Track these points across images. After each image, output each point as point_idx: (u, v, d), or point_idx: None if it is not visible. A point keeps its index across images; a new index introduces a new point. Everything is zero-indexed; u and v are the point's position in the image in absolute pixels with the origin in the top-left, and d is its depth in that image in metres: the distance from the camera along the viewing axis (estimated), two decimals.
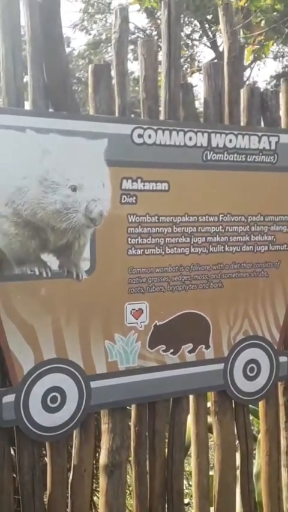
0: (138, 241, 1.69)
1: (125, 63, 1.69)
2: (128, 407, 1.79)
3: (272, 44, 5.55)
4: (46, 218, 1.54)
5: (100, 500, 1.73)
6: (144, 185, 1.68)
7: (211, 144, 1.76)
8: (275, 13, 5.65)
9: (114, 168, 1.63)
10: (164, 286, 1.74)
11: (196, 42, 14.71)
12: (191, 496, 1.96)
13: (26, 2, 1.55)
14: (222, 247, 1.82)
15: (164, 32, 1.74)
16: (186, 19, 13.58)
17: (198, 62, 14.91)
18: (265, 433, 1.98)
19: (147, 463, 1.81)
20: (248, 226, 1.85)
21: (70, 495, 1.68)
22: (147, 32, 12.33)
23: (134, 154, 1.66)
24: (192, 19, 13.46)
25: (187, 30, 14.64)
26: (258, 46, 5.99)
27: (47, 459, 1.67)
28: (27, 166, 1.52)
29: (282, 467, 2.01)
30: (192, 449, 1.89)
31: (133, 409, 1.79)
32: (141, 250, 1.70)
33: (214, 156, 1.77)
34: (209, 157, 1.76)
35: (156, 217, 1.71)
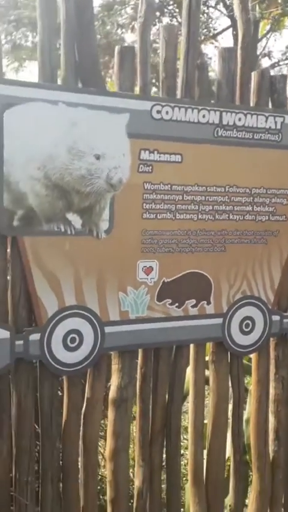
0: (152, 206, 1.84)
1: (148, 46, 1.83)
2: (135, 351, 1.97)
3: (285, 20, 5.61)
4: (72, 182, 1.69)
5: (108, 429, 1.94)
6: (160, 156, 1.83)
7: (222, 122, 1.90)
8: None
9: (134, 140, 1.77)
10: (172, 248, 1.90)
11: (212, 9, 14.37)
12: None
13: None
14: (227, 215, 1.97)
15: (185, 17, 1.88)
16: None
17: (214, 29, 14.60)
18: (256, 382, 2.16)
19: (150, 400, 1.99)
20: (251, 198, 2.00)
21: (82, 423, 1.87)
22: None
23: (152, 128, 1.80)
24: None
25: None
26: (273, 20, 6.04)
27: (64, 392, 1.86)
28: (57, 135, 1.66)
29: (270, 414, 2.20)
30: (190, 393, 2.07)
31: (140, 353, 1.97)
32: (154, 214, 1.85)
33: (224, 133, 1.91)
34: (219, 134, 1.90)
35: (169, 185, 1.86)
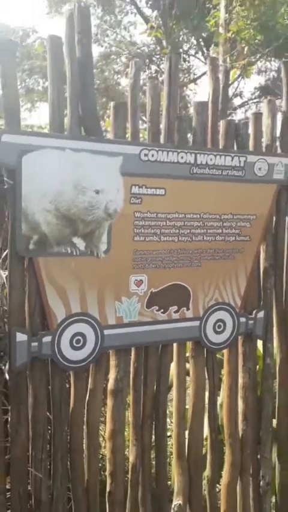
0: (141, 231, 1.96)
1: (137, 101, 1.96)
2: (129, 349, 2.06)
3: (252, 69, 5.83)
4: (77, 213, 1.80)
5: (107, 415, 2.04)
6: (147, 190, 1.95)
7: (197, 162, 2.03)
8: (256, 40, 5.88)
9: (126, 177, 1.89)
10: (158, 264, 2.01)
11: (192, 57, 14.74)
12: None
13: (67, 56, 1.80)
14: (201, 237, 2.09)
15: (166, 78, 2.02)
16: (184, 37, 13.60)
17: (194, 74, 14.94)
18: (228, 373, 2.28)
19: (142, 390, 2.09)
20: (221, 222, 2.13)
21: (86, 411, 1.97)
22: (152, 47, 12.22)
23: (141, 168, 1.92)
24: (190, 37, 13.48)
25: (185, 46, 14.59)
26: (242, 68, 6.26)
27: (71, 384, 1.95)
28: (65, 175, 1.77)
29: (239, 399, 2.32)
30: (174, 384, 2.18)
31: (133, 350, 2.07)
32: (143, 237, 1.97)
33: (198, 170, 2.04)
34: (195, 171, 2.04)
35: (155, 214, 1.98)
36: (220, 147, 2.16)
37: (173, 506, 2.18)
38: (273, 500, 2.52)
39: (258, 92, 15.52)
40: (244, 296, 2.26)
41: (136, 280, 2.00)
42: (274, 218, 2.34)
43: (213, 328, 2.19)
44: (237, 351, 2.31)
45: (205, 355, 2.24)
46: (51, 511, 1.93)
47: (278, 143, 2.32)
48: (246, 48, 5.83)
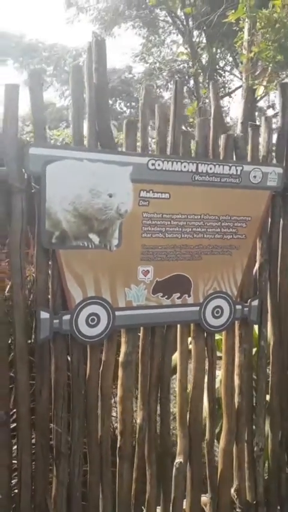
0: (148, 229, 1.98)
1: (147, 120, 1.99)
2: (138, 328, 2.09)
3: (271, 87, 5.65)
4: (93, 213, 1.84)
5: (119, 382, 2.07)
6: (154, 195, 1.97)
7: (198, 170, 2.03)
8: (277, 60, 5.75)
9: (136, 183, 1.91)
10: (163, 257, 2.03)
11: (227, 73, 14.46)
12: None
13: (87, 81, 1.86)
14: (202, 235, 2.09)
15: (172, 100, 2.03)
16: (221, 55, 13.46)
17: (229, 88, 14.66)
18: (225, 352, 2.27)
19: (149, 363, 2.12)
20: (219, 223, 2.12)
21: (100, 379, 2.00)
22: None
23: (149, 175, 1.94)
24: (225, 55, 13.28)
25: (221, 63, 14.34)
26: (265, 86, 6.13)
27: (88, 355, 1.99)
28: (82, 181, 1.81)
29: (235, 376, 2.31)
30: (177, 359, 2.20)
31: (141, 330, 2.10)
32: (150, 234, 1.99)
33: (199, 178, 2.04)
34: (196, 179, 2.04)
35: (160, 214, 1.99)
36: (221, 157, 2.15)
37: (175, 463, 2.20)
38: (266, 464, 2.50)
39: None
40: (240, 286, 2.24)
41: (143, 270, 2.02)
42: (269, 220, 2.31)
43: (211, 313, 2.19)
44: (234, 334, 2.30)
45: (205, 336, 2.24)
46: (69, 461, 1.98)
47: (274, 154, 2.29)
48: (270, 67, 5.70)
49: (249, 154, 2.23)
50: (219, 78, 13.58)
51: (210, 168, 2.07)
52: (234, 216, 2.16)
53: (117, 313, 1.98)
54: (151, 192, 1.98)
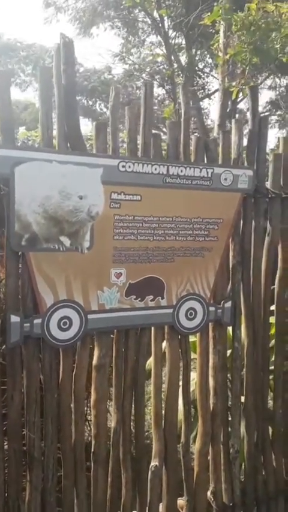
0: (120, 231, 2.01)
1: (117, 122, 2.03)
2: (111, 331, 2.10)
3: (244, 89, 5.73)
4: (63, 215, 1.85)
5: (92, 386, 2.08)
6: (125, 197, 2.00)
7: (169, 172, 2.08)
8: (253, 62, 5.85)
9: (107, 185, 1.94)
10: (135, 259, 2.06)
11: (206, 75, 14.54)
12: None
13: (56, 82, 1.88)
14: (174, 237, 2.13)
15: (142, 102, 2.08)
16: (200, 56, 13.58)
17: (208, 90, 14.79)
18: (199, 354, 2.31)
19: (123, 366, 2.14)
20: (191, 225, 2.17)
21: (73, 381, 2.02)
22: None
23: (119, 178, 1.98)
24: (205, 57, 13.41)
25: (200, 65, 14.45)
26: (240, 88, 6.23)
27: (61, 360, 2.00)
28: (52, 183, 1.83)
29: (210, 377, 2.35)
30: (152, 362, 2.24)
31: (115, 333, 2.12)
32: (122, 236, 2.02)
33: (171, 180, 2.09)
34: (167, 181, 2.08)
35: (132, 216, 2.03)
36: (192, 160, 2.21)
37: (150, 466, 2.23)
38: (242, 466, 2.55)
39: (270, 106, 15.24)
40: (213, 288, 2.29)
41: (116, 272, 2.05)
42: (242, 222, 2.37)
43: (185, 315, 2.23)
44: (208, 335, 2.34)
45: (179, 338, 2.28)
46: (43, 466, 2.00)
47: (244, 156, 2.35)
48: (247, 70, 5.80)
49: (220, 156, 2.28)
50: (198, 79, 13.71)
51: (181, 171, 2.12)
52: (206, 218, 2.21)
53: (89, 316, 2.01)
54: (122, 194, 2.01)
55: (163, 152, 2.17)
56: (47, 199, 1.86)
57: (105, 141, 2.01)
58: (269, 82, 12.67)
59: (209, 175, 2.18)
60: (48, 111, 1.89)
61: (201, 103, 14.41)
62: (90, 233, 1.96)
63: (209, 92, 14.71)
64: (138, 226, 2.07)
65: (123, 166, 2.00)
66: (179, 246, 2.17)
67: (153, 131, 2.13)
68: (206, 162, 2.24)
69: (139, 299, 2.12)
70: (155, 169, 2.06)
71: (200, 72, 14.27)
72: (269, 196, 2.39)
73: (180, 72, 12.14)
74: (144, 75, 13.91)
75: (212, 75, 14.12)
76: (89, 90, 15.98)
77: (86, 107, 14.94)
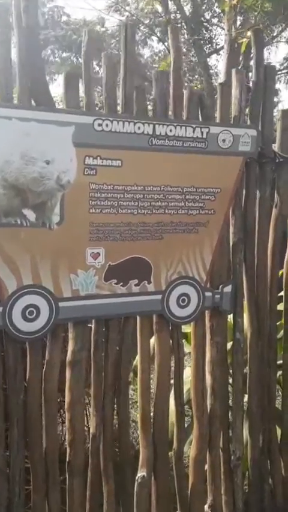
0: (97, 203, 1.82)
1: (91, 70, 1.82)
2: (88, 321, 1.93)
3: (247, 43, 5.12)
4: (26, 183, 1.67)
5: (66, 385, 1.91)
6: (102, 162, 1.80)
7: (155, 132, 1.86)
8: (265, 9, 5.48)
9: (79, 148, 1.74)
10: (116, 237, 1.87)
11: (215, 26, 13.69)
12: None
13: (15, 24, 1.68)
14: (163, 210, 1.93)
15: (122, 48, 1.86)
16: (207, 5, 12.74)
17: (216, 44, 13.99)
18: (194, 346, 2.12)
19: (103, 361, 1.96)
20: (183, 195, 1.96)
21: (44, 380, 1.85)
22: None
23: (95, 138, 1.77)
24: (213, 3, 12.58)
25: (207, 15, 13.61)
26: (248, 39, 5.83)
27: (27, 354, 1.83)
28: (12, 145, 1.64)
29: (207, 373, 2.16)
30: (138, 355, 2.04)
31: (93, 323, 1.94)
32: (100, 209, 1.82)
33: (158, 142, 1.88)
34: (153, 143, 1.87)
35: (111, 185, 1.83)
36: (184, 118, 1.98)
37: (137, 477, 2.06)
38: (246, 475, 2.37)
39: (287, 63, 14.37)
40: (210, 270, 2.09)
41: (92, 253, 1.86)
42: (244, 192, 2.15)
43: (176, 302, 2.04)
44: (204, 325, 2.15)
45: (170, 329, 2.09)
46: (8, 479, 1.84)
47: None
48: (257, 17, 5.39)
49: (218, 114, 2.06)
50: (205, 32, 12.88)
51: (171, 130, 1.91)
52: (200, 187, 2.00)
53: (61, 304, 1.82)
54: (99, 158, 1.81)
55: (149, 108, 1.95)
56: (6, 164, 1.66)
57: (78, 94, 1.80)
58: (286, 35, 11.89)
59: (204, 136, 1.96)
60: (6, 57, 1.67)
61: (208, 59, 13.54)
62: (61, 205, 1.77)
63: (218, 47, 13.79)
64: (119, 198, 1.87)
65: (99, 125, 1.79)
66: (169, 221, 1.97)
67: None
68: (200, 120, 2.01)
69: (121, 284, 1.93)
70: (139, 128, 1.86)
71: (206, 24, 13.37)
72: (277, 160, 2.16)
73: (183, 24, 11.38)
74: (142, 27, 13.12)
75: (220, 27, 13.25)
76: (78, 46, 15.14)
77: (75, 65, 13.82)
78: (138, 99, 1.90)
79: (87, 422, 2.23)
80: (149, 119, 1.89)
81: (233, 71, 2.11)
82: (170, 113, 1.97)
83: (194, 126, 1.94)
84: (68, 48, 13.55)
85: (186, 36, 11.44)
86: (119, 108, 1.88)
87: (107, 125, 1.80)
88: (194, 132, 1.94)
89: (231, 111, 2.10)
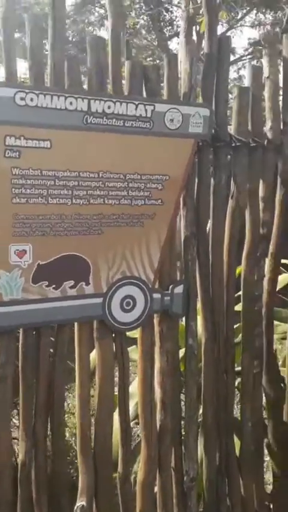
0: (22, 191, 1.58)
1: (12, 38, 1.56)
2: (13, 331, 1.70)
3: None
4: None
5: None
6: (27, 142, 1.57)
7: (91, 109, 1.64)
8: None
9: None
10: (46, 231, 1.64)
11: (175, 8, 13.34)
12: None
13: None
14: (102, 199, 1.72)
15: (50, 7, 1.62)
16: None
17: (177, 26, 13.67)
18: (141, 354, 1.92)
19: (33, 376, 1.73)
20: (126, 183, 1.75)
21: None
22: None
23: (17, 115, 1.54)
24: None
25: None
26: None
27: None
28: None
29: (156, 385, 1.96)
30: (76, 368, 1.84)
31: (21, 332, 1.71)
32: (25, 199, 1.59)
33: (94, 120, 1.65)
34: (89, 121, 1.65)
35: (39, 171, 1.60)
36: (125, 93, 1.76)
37: (75, 508, 1.83)
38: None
39: (252, 48, 14.20)
40: (158, 269, 1.88)
41: (17, 250, 1.63)
42: (196, 180, 1.95)
43: (120, 306, 1.83)
44: (152, 331, 1.95)
45: (113, 336, 1.88)
46: None
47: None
48: None
49: (165, 90, 1.84)
50: (165, 14, 12.56)
51: (109, 107, 1.68)
52: (146, 174, 1.79)
53: None
54: (22, 138, 1.58)
55: (83, 81, 1.71)
56: None
57: None
58: (250, 20, 11.71)
59: (149, 115, 1.75)
60: None
61: (169, 43, 13.18)
62: None
63: (179, 30, 13.58)
64: (49, 185, 1.64)
65: (22, 99, 1.55)
66: (109, 213, 1.75)
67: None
68: (144, 96, 1.80)
69: (53, 286, 1.71)
70: (71, 103, 1.62)
71: (167, 5, 13.08)
72: (233, 144, 1.96)
73: (141, 3, 11.07)
74: (98, 7, 12.66)
75: (179, 7, 13.00)
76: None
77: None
78: (70, 70, 1.66)
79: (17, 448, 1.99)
80: (83, 93, 1.66)
81: (183, 40, 1.90)
82: (108, 87, 1.73)
83: (136, 102, 1.72)
84: (19, 29, 13.06)
85: (145, 18, 11.14)
86: (47, 80, 1.64)
87: (31, 99, 1.56)
88: (136, 109, 1.72)
89: (180, 88, 1.88)
